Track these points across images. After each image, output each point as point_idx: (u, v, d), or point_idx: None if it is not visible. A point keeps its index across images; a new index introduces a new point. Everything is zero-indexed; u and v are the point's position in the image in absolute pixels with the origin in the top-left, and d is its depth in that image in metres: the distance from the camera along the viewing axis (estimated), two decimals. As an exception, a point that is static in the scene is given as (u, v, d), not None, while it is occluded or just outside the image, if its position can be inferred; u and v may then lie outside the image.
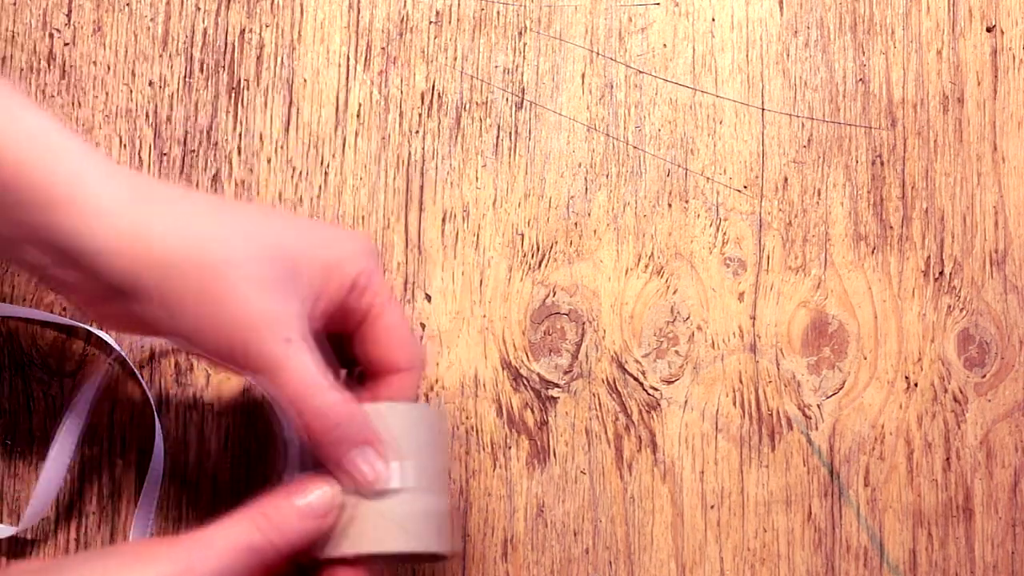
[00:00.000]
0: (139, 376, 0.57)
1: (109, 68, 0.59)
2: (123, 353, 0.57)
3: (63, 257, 0.41)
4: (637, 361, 0.58)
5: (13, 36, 0.58)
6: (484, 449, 0.58)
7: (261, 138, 0.58)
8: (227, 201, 0.53)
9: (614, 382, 0.58)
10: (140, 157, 0.58)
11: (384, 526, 0.44)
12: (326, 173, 0.59)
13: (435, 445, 0.46)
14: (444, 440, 0.47)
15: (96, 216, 0.40)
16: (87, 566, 0.40)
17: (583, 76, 0.60)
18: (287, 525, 0.42)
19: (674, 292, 0.59)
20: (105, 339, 0.57)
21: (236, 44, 0.59)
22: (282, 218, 0.45)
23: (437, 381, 0.58)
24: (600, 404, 0.58)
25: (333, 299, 0.44)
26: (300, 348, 0.42)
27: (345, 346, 0.48)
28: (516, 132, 0.59)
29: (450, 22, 0.60)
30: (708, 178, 0.59)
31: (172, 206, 0.42)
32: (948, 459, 0.58)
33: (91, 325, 0.57)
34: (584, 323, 0.58)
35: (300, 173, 0.58)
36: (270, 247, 0.43)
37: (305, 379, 0.42)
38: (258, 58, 0.59)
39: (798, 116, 0.60)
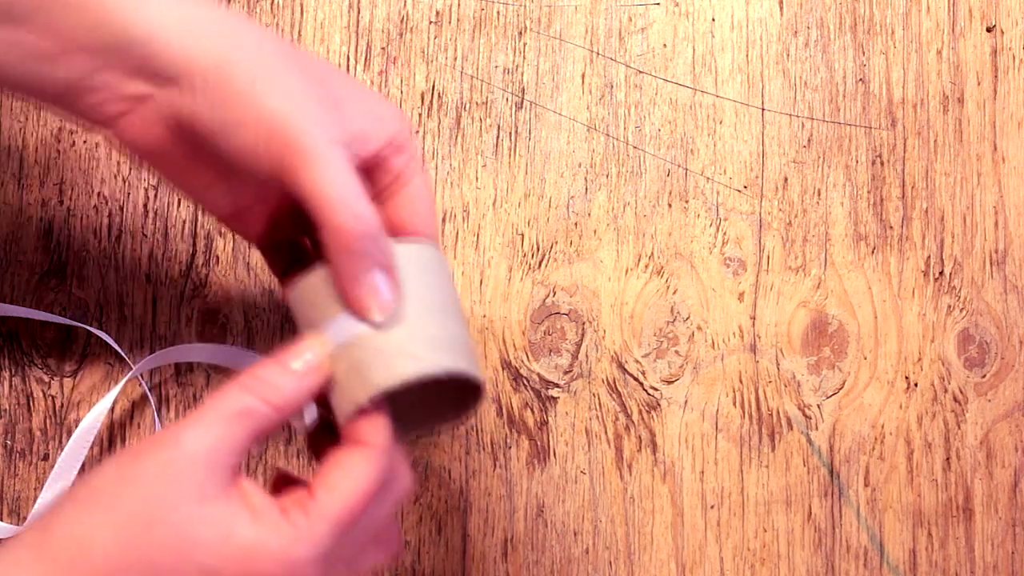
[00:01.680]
0: (140, 376, 0.57)
1: (109, 68, 0.59)
2: (123, 353, 0.57)
3: (111, 54, 0.40)
4: (637, 361, 0.58)
5: (13, 36, 0.58)
6: (484, 449, 0.58)
7: (261, 138, 0.58)
8: None
9: (614, 382, 0.58)
10: (140, 157, 0.58)
11: (394, 358, 0.41)
12: (326, 173, 0.58)
13: (442, 280, 0.44)
14: (449, 276, 0.45)
15: (149, 4, 0.40)
16: (83, 493, 0.39)
17: (583, 76, 0.60)
18: (281, 382, 0.40)
19: (674, 292, 0.59)
20: (105, 339, 0.57)
21: (236, 44, 0.59)
22: (333, 67, 0.44)
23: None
24: (600, 404, 0.58)
25: (371, 146, 0.43)
26: (345, 155, 0.40)
27: None
28: (516, 132, 0.59)
29: (450, 22, 0.60)
30: (708, 178, 0.59)
31: (224, 10, 0.42)
32: (948, 459, 0.58)
33: (91, 325, 0.57)
34: (584, 323, 0.59)
35: (300, 173, 0.58)
36: (321, 78, 0.42)
37: (347, 182, 0.40)
38: (258, 58, 0.59)
39: (798, 116, 0.60)
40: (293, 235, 0.47)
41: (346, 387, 0.41)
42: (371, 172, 0.43)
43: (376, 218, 0.41)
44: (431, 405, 0.46)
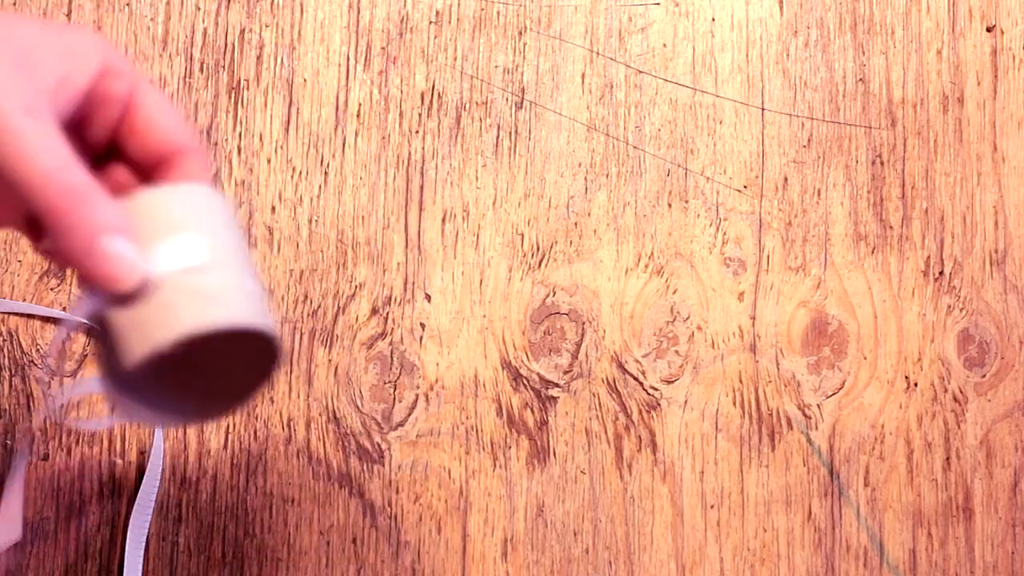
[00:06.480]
0: (139, 376, 0.57)
1: (109, 68, 0.59)
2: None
3: None
4: (637, 361, 0.58)
5: (13, 36, 0.58)
6: (484, 449, 0.58)
7: (261, 138, 0.58)
8: None
9: (614, 382, 0.58)
10: (140, 157, 0.58)
11: (208, 302, 0.37)
12: (326, 173, 0.59)
13: (229, 222, 0.40)
14: (229, 219, 0.40)
15: None
16: None
17: (583, 76, 0.60)
18: None
19: (674, 292, 0.59)
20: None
21: (236, 44, 0.59)
22: (9, 14, 0.39)
23: (437, 381, 0.58)
24: (600, 404, 0.58)
25: (79, 84, 0.39)
26: (46, 123, 0.37)
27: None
28: (516, 132, 0.59)
29: (450, 22, 0.60)
30: (708, 178, 0.59)
31: None
32: (948, 459, 0.58)
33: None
34: (584, 323, 0.58)
35: (300, 173, 0.58)
36: (2, 36, 0.37)
37: (48, 153, 0.36)
38: (258, 58, 0.59)
39: (798, 116, 0.60)
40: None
41: (144, 326, 0.37)
42: (96, 111, 0.40)
43: (91, 185, 0.37)
44: (216, 373, 0.42)
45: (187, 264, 0.38)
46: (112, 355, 0.38)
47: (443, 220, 0.59)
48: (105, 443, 0.57)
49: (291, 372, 0.58)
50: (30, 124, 0.36)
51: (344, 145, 0.59)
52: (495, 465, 0.58)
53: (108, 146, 0.41)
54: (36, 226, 0.41)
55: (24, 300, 0.57)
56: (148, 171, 0.41)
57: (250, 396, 0.42)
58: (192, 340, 0.37)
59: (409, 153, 0.59)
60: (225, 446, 0.57)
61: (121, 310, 0.37)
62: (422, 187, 0.59)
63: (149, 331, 0.37)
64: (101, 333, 0.38)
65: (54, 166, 0.36)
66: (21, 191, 0.36)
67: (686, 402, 0.58)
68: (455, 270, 0.58)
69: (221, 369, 0.41)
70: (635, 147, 0.59)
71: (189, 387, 0.41)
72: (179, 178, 0.40)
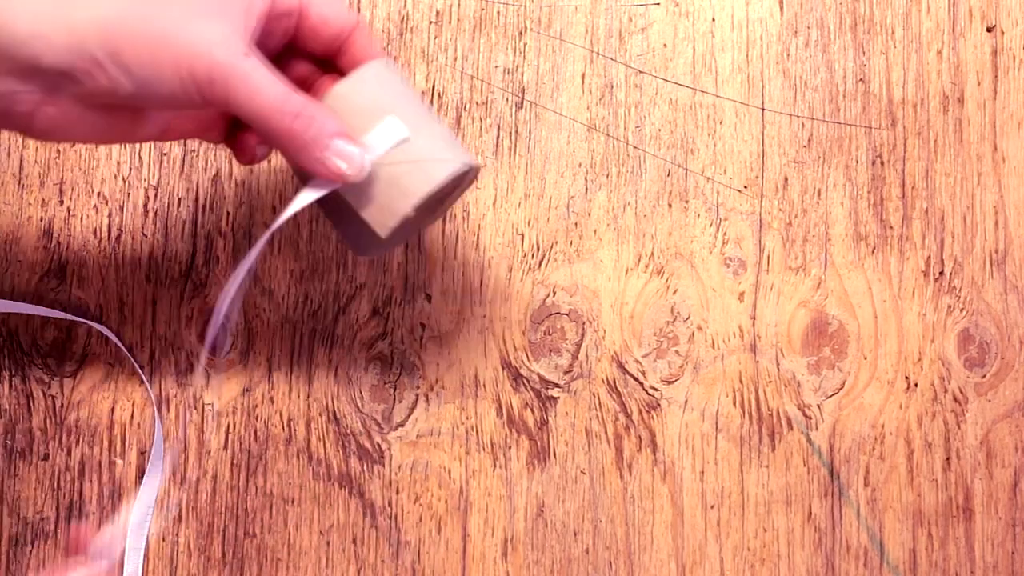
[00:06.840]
0: (142, 375, 0.57)
1: (109, 68, 0.59)
2: (124, 348, 0.57)
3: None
4: (637, 361, 0.58)
5: (13, 36, 0.58)
6: (484, 449, 0.58)
7: (261, 138, 0.58)
8: None
9: (614, 382, 0.58)
10: (140, 157, 0.58)
11: (408, 174, 0.45)
12: (326, 173, 0.58)
13: (402, 91, 0.47)
14: (405, 81, 0.48)
15: (17, 4, 0.40)
16: None
17: (583, 76, 0.60)
18: None
19: (674, 292, 0.59)
20: (107, 335, 0.57)
21: (236, 44, 0.59)
22: None
23: (437, 381, 0.58)
24: (600, 404, 0.58)
25: (261, 8, 0.44)
26: (257, 59, 0.42)
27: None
28: (516, 132, 0.59)
29: (450, 22, 0.60)
30: (708, 178, 0.59)
31: None
32: (948, 459, 0.58)
33: (91, 320, 0.57)
34: (584, 323, 0.59)
35: (300, 173, 0.58)
36: None
37: (272, 86, 0.42)
38: (258, 58, 0.59)
39: (798, 116, 0.60)
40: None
41: (379, 203, 0.45)
42: (273, 24, 0.45)
43: (310, 101, 0.43)
44: (431, 205, 0.49)
45: (396, 140, 0.45)
46: (352, 230, 0.47)
47: (443, 220, 0.59)
48: (105, 443, 0.57)
49: (291, 372, 0.58)
50: (251, 64, 0.42)
51: (344, 145, 0.59)
52: (495, 465, 0.58)
53: (285, 48, 0.47)
54: (214, 131, 0.48)
55: (24, 300, 0.57)
56: (325, 59, 0.47)
57: (453, 203, 0.53)
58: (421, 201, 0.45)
59: (409, 153, 0.59)
60: (225, 446, 0.57)
61: (354, 195, 0.45)
62: (422, 187, 0.59)
63: (386, 206, 0.45)
64: (337, 216, 0.47)
65: (279, 97, 0.42)
66: (256, 122, 0.43)
67: (686, 402, 0.58)
68: (455, 270, 0.58)
69: (435, 200, 0.49)
70: (635, 147, 0.59)
71: (410, 223, 0.48)
72: (353, 58, 0.47)
